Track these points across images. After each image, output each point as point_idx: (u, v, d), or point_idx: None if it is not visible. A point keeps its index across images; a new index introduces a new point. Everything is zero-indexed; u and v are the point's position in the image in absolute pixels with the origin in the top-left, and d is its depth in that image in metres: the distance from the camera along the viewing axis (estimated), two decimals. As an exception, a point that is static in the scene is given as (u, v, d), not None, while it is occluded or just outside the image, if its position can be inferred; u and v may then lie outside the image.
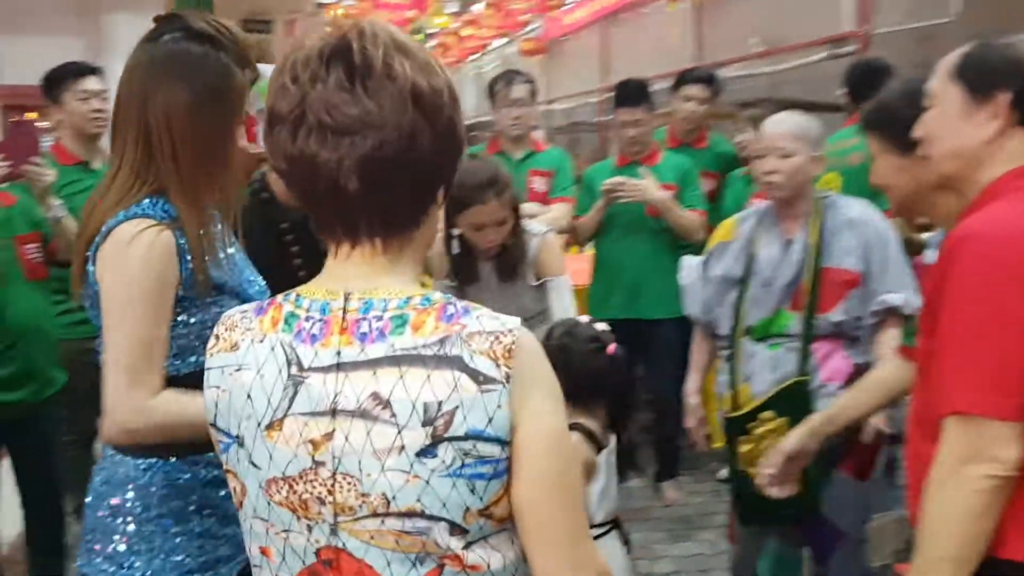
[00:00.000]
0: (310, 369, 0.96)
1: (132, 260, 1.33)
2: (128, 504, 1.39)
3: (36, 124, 3.47)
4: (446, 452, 0.92)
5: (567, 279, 2.73)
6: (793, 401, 2.26)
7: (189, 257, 1.38)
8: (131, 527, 1.38)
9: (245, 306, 1.06)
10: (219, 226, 1.49)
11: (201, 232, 1.39)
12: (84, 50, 4.66)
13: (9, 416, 2.58)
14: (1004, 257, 1.25)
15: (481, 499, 0.94)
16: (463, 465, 0.93)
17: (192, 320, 1.40)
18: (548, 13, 11.20)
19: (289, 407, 0.97)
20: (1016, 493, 1.26)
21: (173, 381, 1.38)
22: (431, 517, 0.93)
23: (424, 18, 11.19)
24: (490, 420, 0.92)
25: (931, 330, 1.36)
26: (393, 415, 0.92)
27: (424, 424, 0.92)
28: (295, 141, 0.94)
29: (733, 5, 8.27)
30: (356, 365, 0.94)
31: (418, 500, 0.93)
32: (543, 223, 3.62)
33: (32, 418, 2.64)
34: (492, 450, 0.93)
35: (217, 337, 1.04)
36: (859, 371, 2.25)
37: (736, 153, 4.02)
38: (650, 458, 4.09)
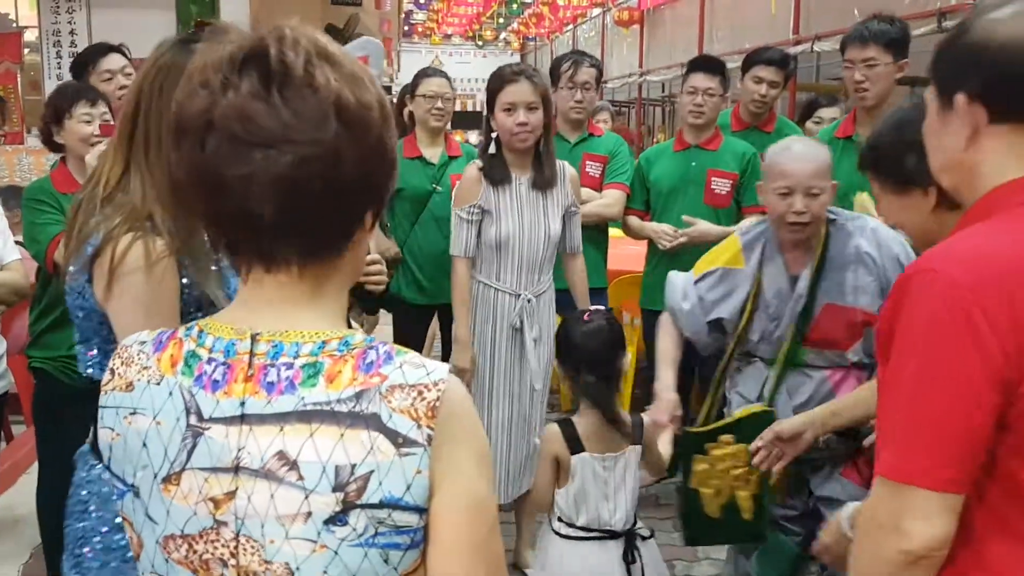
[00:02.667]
0: (211, 420, 0.88)
1: (149, 282, 1.31)
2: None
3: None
4: (358, 520, 0.84)
5: (580, 214, 3.10)
6: (756, 429, 2.21)
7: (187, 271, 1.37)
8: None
9: (143, 335, 0.97)
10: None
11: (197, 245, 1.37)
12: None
13: None
14: (959, 302, 1.04)
15: (396, 569, 0.87)
16: (376, 534, 0.85)
17: None
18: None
19: (188, 461, 0.88)
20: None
21: None
22: None
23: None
24: (408, 487, 0.85)
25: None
26: (300, 477, 0.84)
27: (335, 489, 0.84)
28: (202, 152, 0.85)
29: (835, -26, 7.84)
30: (262, 418, 0.86)
31: (324, 572, 0.85)
32: (596, 208, 3.56)
33: None
34: (409, 519, 0.85)
35: (112, 372, 0.96)
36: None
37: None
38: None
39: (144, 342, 0.96)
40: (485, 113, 2.94)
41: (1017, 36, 1.08)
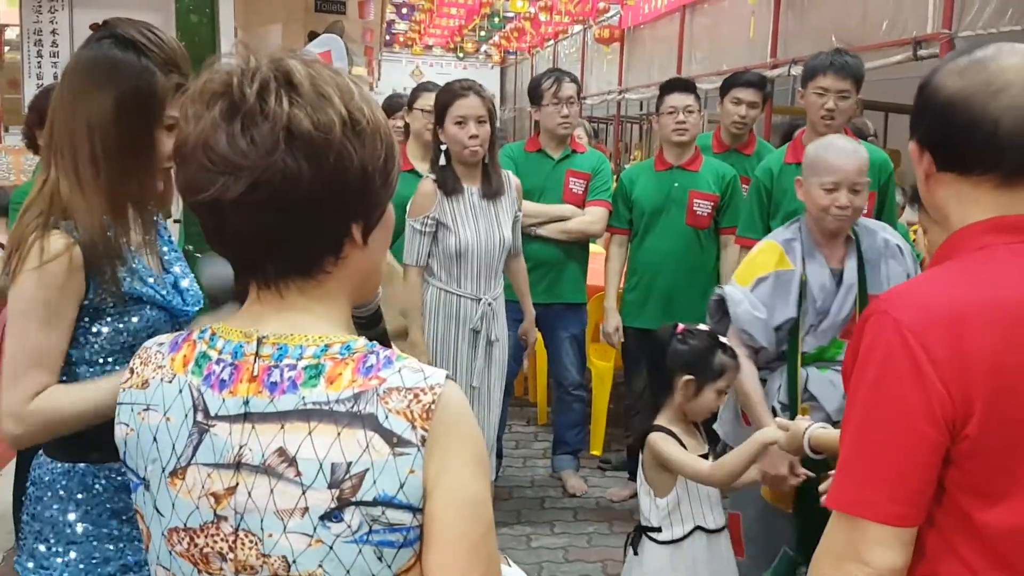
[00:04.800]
0: (216, 417, 0.92)
1: (29, 273, 1.36)
2: (49, 507, 1.45)
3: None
4: (352, 517, 0.87)
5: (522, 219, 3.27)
6: None
7: (102, 267, 1.39)
8: (50, 529, 1.44)
9: (163, 338, 1.02)
10: (141, 234, 1.49)
11: (118, 241, 1.41)
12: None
13: None
14: (905, 344, 1.07)
15: (389, 567, 0.89)
16: (371, 531, 0.88)
17: (105, 329, 1.42)
18: (626, 0, 11.04)
19: (193, 456, 0.93)
20: None
21: None
22: None
23: (501, 2, 11.17)
24: (401, 486, 0.87)
25: None
26: (298, 474, 0.88)
27: (331, 486, 0.87)
28: (183, 178, 0.92)
29: (812, 1, 8.01)
30: (264, 417, 0.90)
31: (320, 566, 0.88)
32: (579, 225, 3.62)
33: None
34: (402, 517, 0.88)
35: (132, 371, 1.01)
36: None
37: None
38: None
39: (162, 343, 1.01)
40: (434, 126, 3.03)
41: (959, 91, 1.13)
